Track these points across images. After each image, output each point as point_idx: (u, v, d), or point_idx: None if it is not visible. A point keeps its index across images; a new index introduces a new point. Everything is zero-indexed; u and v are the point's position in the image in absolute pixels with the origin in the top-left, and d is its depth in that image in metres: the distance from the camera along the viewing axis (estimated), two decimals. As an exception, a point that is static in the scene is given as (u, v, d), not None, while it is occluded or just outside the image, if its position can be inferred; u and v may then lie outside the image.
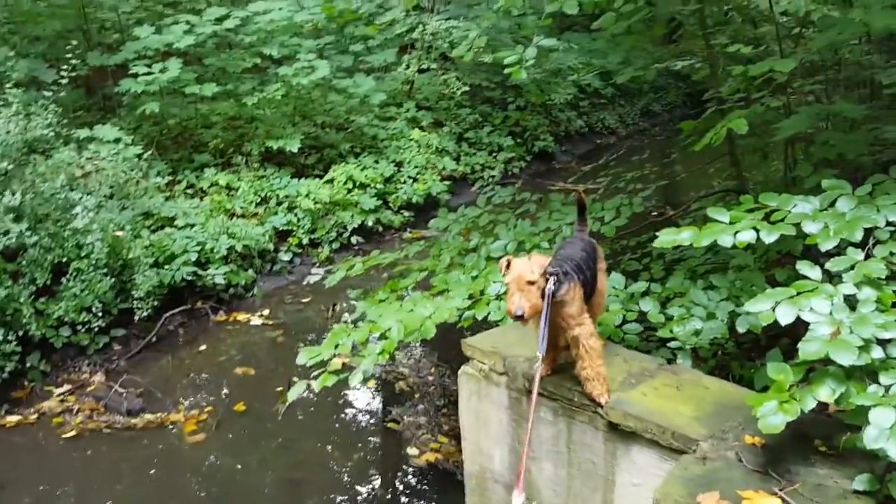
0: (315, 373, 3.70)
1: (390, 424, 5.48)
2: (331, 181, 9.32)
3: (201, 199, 8.38)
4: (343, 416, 5.79)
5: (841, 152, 3.95)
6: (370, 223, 9.34)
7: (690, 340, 3.70)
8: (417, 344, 6.58)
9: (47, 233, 5.99)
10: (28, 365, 5.93)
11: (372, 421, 5.73)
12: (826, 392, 2.46)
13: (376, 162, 10.22)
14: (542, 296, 2.92)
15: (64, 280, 6.12)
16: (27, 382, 5.91)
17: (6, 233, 5.59)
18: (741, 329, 3.65)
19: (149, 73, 8.43)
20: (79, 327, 6.17)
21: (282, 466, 5.08)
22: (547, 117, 14.12)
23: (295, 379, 4.51)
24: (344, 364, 3.89)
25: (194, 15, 9.28)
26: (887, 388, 2.45)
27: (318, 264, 8.54)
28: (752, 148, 5.42)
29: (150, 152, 8.18)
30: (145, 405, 5.74)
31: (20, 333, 5.75)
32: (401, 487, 4.90)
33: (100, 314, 6.17)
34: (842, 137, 3.96)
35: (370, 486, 4.90)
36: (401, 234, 9.49)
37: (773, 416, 2.45)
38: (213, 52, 9.73)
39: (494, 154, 12.43)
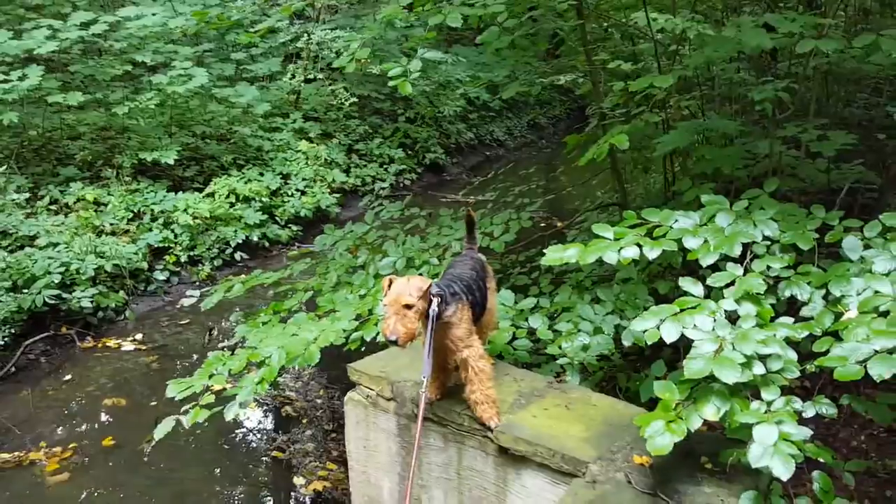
0: (185, 407, 3.41)
1: (276, 453, 5.19)
2: (211, 195, 8.88)
3: (66, 215, 7.76)
4: (226, 445, 5.44)
5: (717, 166, 4.06)
6: (255, 238, 8.98)
7: (578, 356, 3.68)
8: (306, 365, 6.33)
9: None
10: None
11: (257, 449, 5.42)
12: (711, 411, 2.45)
13: (261, 174, 9.85)
14: (423, 317, 2.80)
15: None
16: None
17: None
18: (626, 343, 3.65)
19: (5, 81, 7.74)
20: (-80, 362, 5.54)
21: (159, 500, 4.70)
22: (437, 129, 14.15)
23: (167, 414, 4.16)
24: (223, 390, 3.63)
25: (58, 20, 8.61)
26: (769, 404, 2.48)
27: (197, 283, 8.08)
28: (633, 162, 5.52)
29: (6, 166, 7.50)
30: (1, 443, 5.20)
31: None
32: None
33: (-54, 346, 5.57)
34: (718, 152, 4.08)
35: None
36: (288, 250, 9.17)
37: (661, 437, 2.42)
38: (79, 58, 9.07)
39: (385, 166, 12.31)
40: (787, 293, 2.97)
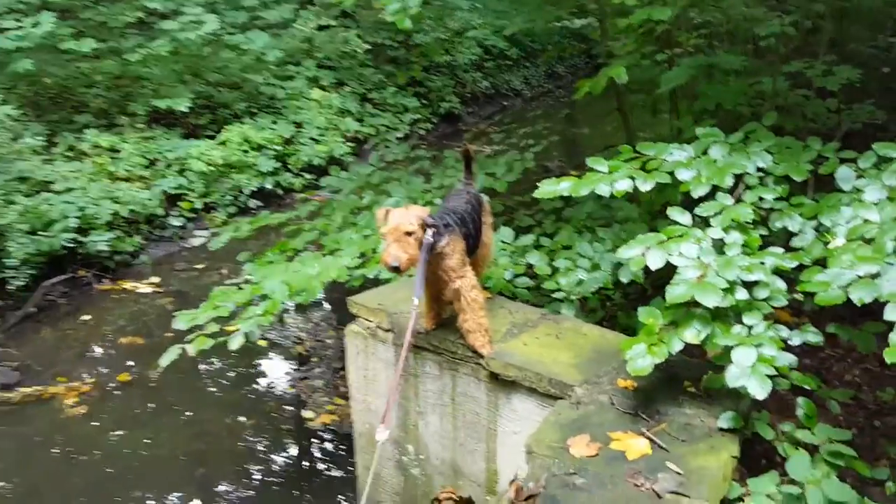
0: (190, 336, 3.53)
1: (287, 388, 5.36)
2: (225, 142, 8.94)
3: (82, 162, 7.87)
4: (238, 383, 5.60)
5: (719, 102, 4.03)
6: (269, 186, 9.06)
7: (574, 291, 3.73)
8: (320, 303, 6.48)
9: None
10: None
11: (269, 387, 5.57)
12: (692, 333, 2.50)
13: (274, 122, 9.88)
14: (420, 247, 2.86)
15: (-76, 250, 5.66)
16: None
17: None
18: (624, 279, 3.68)
19: (20, 28, 7.80)
20: (-56, 300, 5.74)
21: (173, 434, 4.89)
22: (452, 78, 14.00)
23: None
24: (235, 330, 3.73)
25: (70, -35, 8.62)
26: (750, 328, 2.52)
27: (211, 230, 8.20)
28: (641, 104, 5.48)
29: (24, 112, 7.61)
30: (22, 378, 5.41)
31: None
32: (295, 451, 4.80)
33: (-33, 285, 5.75)
34: (720, 89, 4.04)
35: (266, 451, 4.78)
36: (302, 198, 9.25)
37: (642, 359, 2.47)
38: (91, 5, 9.08)
39: (399, 115, 12.25)
40: (779, 224, 2.98)
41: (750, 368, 2.37)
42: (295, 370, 5.58)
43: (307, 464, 4.73)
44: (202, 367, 5.63)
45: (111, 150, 8.19)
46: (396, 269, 2.80)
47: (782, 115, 3.91)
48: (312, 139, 10.10)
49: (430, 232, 2.88)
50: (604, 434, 2.47)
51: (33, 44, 7.85)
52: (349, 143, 10.55)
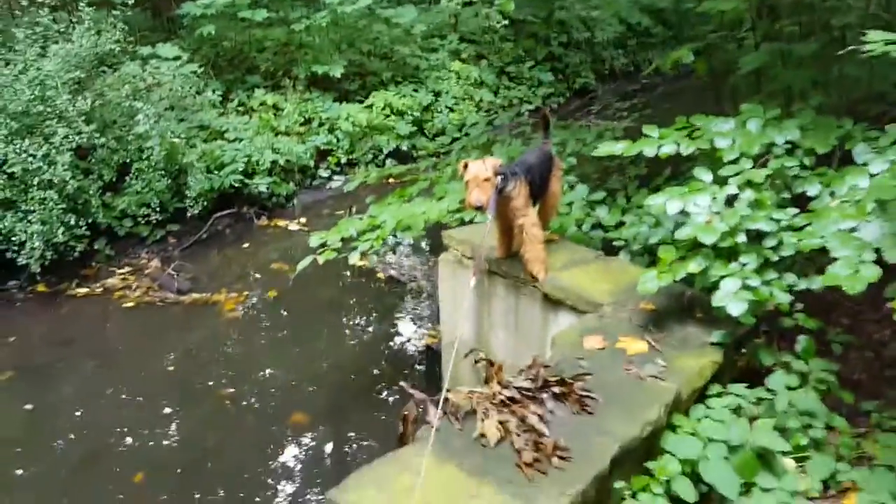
0: (320, 251, 4.51)
1: (400, 314, 6.33)
2: (370, 106, 10.04)
3: (250, 116, 9.23)
4: (358, 310, 6.64)
5: (788, 84, 4.47)
6: (405, 147, 10.07)
7: (634, 241, 4.36)
8: (434, 250, 7.39)
9: (113, 136, 6.94)
10: (95, 248, 6.96)
11: (386, 313, 6.56)
12: (695, 265, 3.13)
13: (415, 90, 10.87)
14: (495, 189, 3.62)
15: (127, 178, 7.10)
16: (94, 263, 6.95)
17: (79, 133, 6.53)
18: (680, 236, 4.27)
19: (206, -2, 9.23)
20: (139, 220, 7.19)
21: (306, 337, 6.00)
22: (590, 55, 14.41)
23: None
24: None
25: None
26: (743, 265, 3.11)
27: (347, 176, 9.31)
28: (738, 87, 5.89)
29: (206, 71, 9.02)
30: (193, 287, 6.72)
31: (89, 221, 6.76)
32: (401, 365, 5.75)
33: (157, 210, 7.16)
34: (790, 73, 4.48)
35: (376, 364, 5.76)
36: (434, 160, 10.19)
37: (651, 282, 3.14)
38: (267, -21, 10.42)
39: (534, 89, 12.90)
40: (800, 189, 3.50)
41: (733, 294, 2.98)
42: (410, 303, 6.54)
43: (409, 372, 5.66)
44: (336, 297, 6.71)
45: (275, 108, 9.51)
46: (479, 209, 3.56)
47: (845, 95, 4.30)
48: (448, 108, 11.01)
49: (499, 178, 3.63)
50: (614, 338, 3.17)
51: (216, 11, 9.25)
52: (482, 113, 11.37)
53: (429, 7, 12.56)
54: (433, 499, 2.23)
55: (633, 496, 2.55)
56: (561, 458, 2.41)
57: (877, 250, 2.71)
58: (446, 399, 2.61)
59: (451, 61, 11.92)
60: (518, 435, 2.49)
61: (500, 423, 2.54)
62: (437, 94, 11.16)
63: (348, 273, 7.00)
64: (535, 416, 2.57)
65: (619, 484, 2.50)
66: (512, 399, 2.65)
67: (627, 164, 5.72)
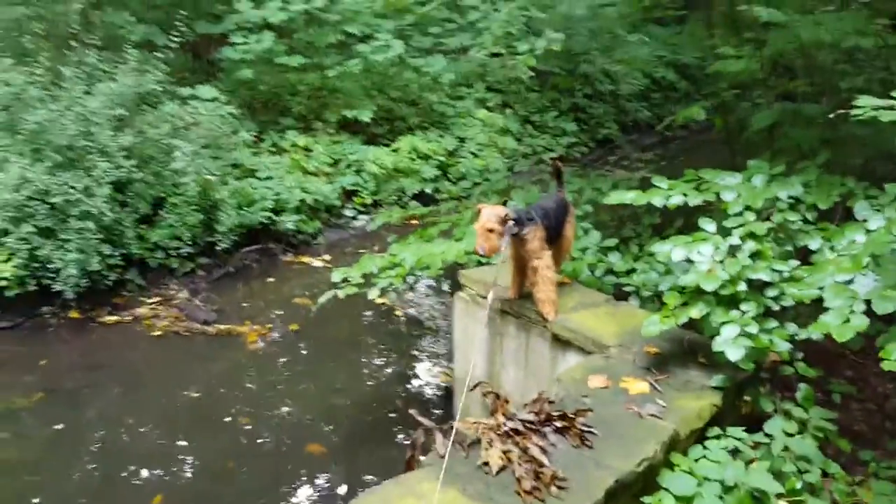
0: (342, 285, 4.72)
1: (417, 352, 6.49)
2: (396, 150, 10.36)
3: (282, 156, 9.57)
4: (377, 347, 6.80)
5: (797, 143, 4.65)
6: (429, 190, 10.34)
7: (643, 287, 4.52)
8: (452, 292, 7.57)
9: (151, 171, 7.26)
10: (128, 277, 7.23)
11: (403, 351, 6.71)
12: (696, 311, 3.28)
13: (441, 136, 11.20)
14: (500, 238, 3.78)
15: (161, 212, 7.40)
16: (126, 292, 7.21)
17: (119, 167, 6.86)
18: (683, 283, 4.41)
19: (246, 43, 9.67)
20: (171, 252, 7.46)
21: (327, 372, 6.17)
22: (614, 106, 14.71)
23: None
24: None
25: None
26: (743, 313, 3.26)
27: (371, 216, 9.54)
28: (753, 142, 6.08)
29: (242, 112, 9.41)
30: (218, 318, 6.95)
31: (123, 252, 7.04)
32: (416, 404, 5.88)
33: (189, 243, 7.44)
34: (799, 132, 4.66)
35: (392, 401, 5.90)
36: (456, 204, 10.45)
37: (653, 326, 3.29)
38: (302, 27, 10.87)
39: (557, 138, 13.19)
40: (802, 243, 3.65)
41: (732, 340, 3.12)
42: (427, 339, 6.70)
43: (426, 406, 5.79)
44: (355, 334, 6.90)
45: (305, 149, 9.85)
46: (483, 255, 3.77)
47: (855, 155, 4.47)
48: (472, 153, 11.30)
49: (510, 223, 3.81)
50: (618, 378, 3.31)
51: (255, 56, 9.68)
52: (506, 160, 11.65)
53: (457, 57, 12.96)
54: (436, 519, 2.38)
55: (629, 528, 2.67)
56: (559, 487, 2.55)
57: (867, 302, 2.84)
58: (453, 428, 2.77)
59: (478, 109, 12.27)
60: (519, 464, 2.64)
61: (504, 452, 2.68)
62: (462, 140, 11.47)
63: (369, 312, 7.19)
64: (537, 448, 2.71)
65: (614, 515, 2.63)
66: (516, 430, 2.80)
67: (642, 213, 5.90)
